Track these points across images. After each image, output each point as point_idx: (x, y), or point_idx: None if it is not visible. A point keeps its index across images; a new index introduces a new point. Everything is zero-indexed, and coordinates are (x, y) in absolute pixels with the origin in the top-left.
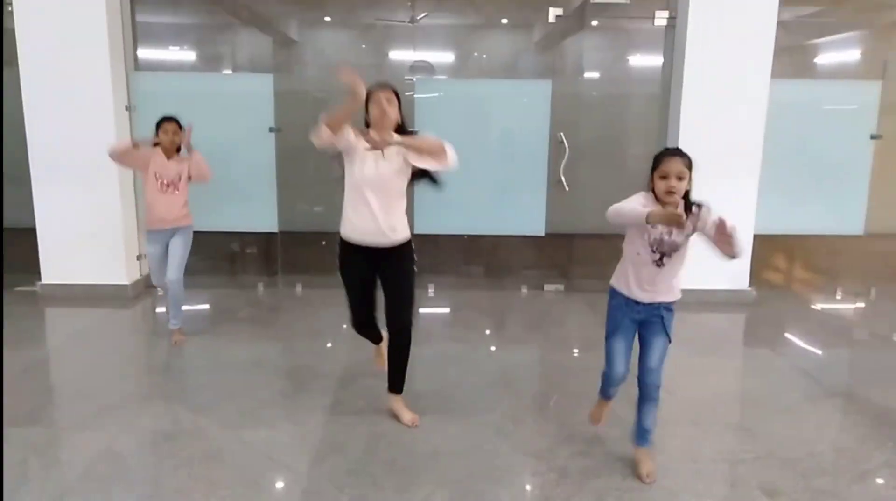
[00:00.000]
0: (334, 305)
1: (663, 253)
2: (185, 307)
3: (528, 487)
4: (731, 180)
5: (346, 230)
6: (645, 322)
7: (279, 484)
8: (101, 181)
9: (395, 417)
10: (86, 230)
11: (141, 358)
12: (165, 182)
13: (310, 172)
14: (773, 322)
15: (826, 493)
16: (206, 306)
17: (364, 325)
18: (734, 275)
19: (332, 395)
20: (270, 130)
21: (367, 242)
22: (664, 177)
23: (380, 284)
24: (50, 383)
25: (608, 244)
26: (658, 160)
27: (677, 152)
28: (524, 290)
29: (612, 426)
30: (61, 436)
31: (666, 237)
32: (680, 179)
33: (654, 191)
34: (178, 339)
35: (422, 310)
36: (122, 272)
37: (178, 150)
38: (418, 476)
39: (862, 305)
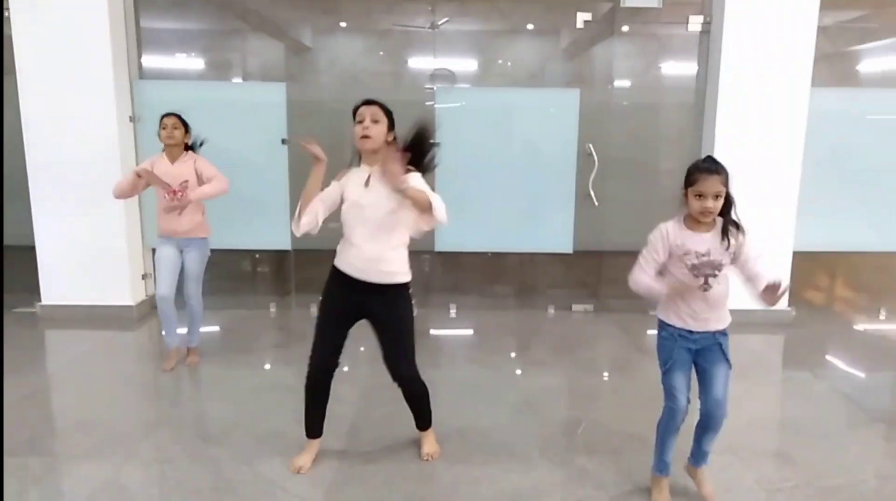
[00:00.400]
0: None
1: (706, 275)
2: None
3: None
4: (770, 194)
5: (337, 260)
6: (701, 351)
7: None
8: (104, 196)
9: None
10: (88, 248)
11: (147, 384)
12: (173, 189)
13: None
14: (814, 344)
15: None
16: (217, 328)
17: (317, 379)
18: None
19: (349, 422)
20: (283, 141)
21: (355, 275)
22: (700, 196)
23: (374, 332)
24: (50, 410)
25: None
26: (692, 177)
27: (714, 168)
28: (551, 310)
29: (644, 454)
30: (62, 467)
31: (703, 260)
32: (717, 197)
33: (687, 212)
34: (193, 360)
35: (443, 332)
36: (126, 293)
37: (188, 148)
38: None
39: None
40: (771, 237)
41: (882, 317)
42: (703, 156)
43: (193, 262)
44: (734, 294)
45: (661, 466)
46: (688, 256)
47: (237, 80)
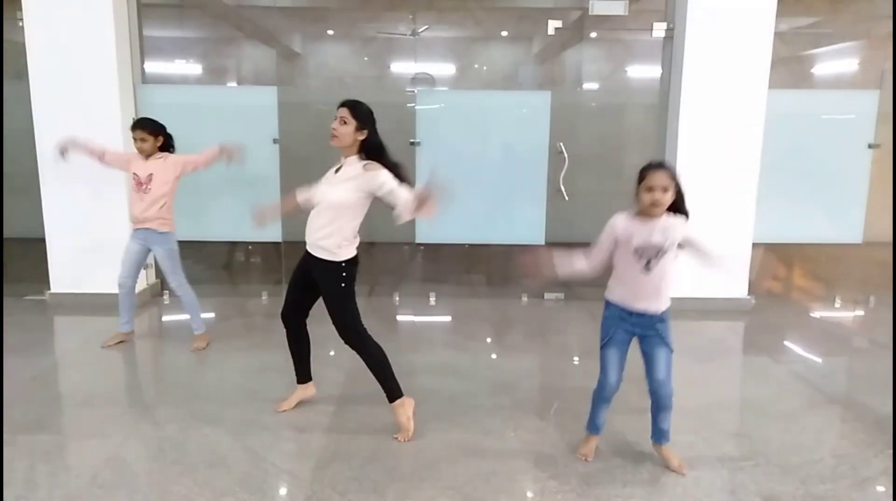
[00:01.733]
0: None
1: (649, 258)
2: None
3: (528, 494)
4: (730, 189)
5: None
6: (643, 337)
7: (283, 491)
8: (108, 191)
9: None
10: (94, 240)
11: (147, 366)
12: (140, 180)
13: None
14: (772, 330)
15: (825, 500)
16: (212, 315)
17: (286, 317)
18: (733, 283)
19: (335, 402)
20: (274, 141)
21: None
22: (650, 189)
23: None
24: (58, 390)
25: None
26: (643, 173)
27: (661, 165)
28: (524, 298)
29: (613, 434)
30: (69, 443)
31: (646, 243)
32: (665, 190)
33: (640, 205)
34: (199, 345)
35: (423, 318)
36: None
37: (165, 149)
38: (419, 483)
39: (861, 313)
40: (731, 229)
41: (837, 305)
42: (666, 154)
43: (165, 259)
44: (699, 283)
45: (590, 427)
46: (632, 239)
47: (232, 84)
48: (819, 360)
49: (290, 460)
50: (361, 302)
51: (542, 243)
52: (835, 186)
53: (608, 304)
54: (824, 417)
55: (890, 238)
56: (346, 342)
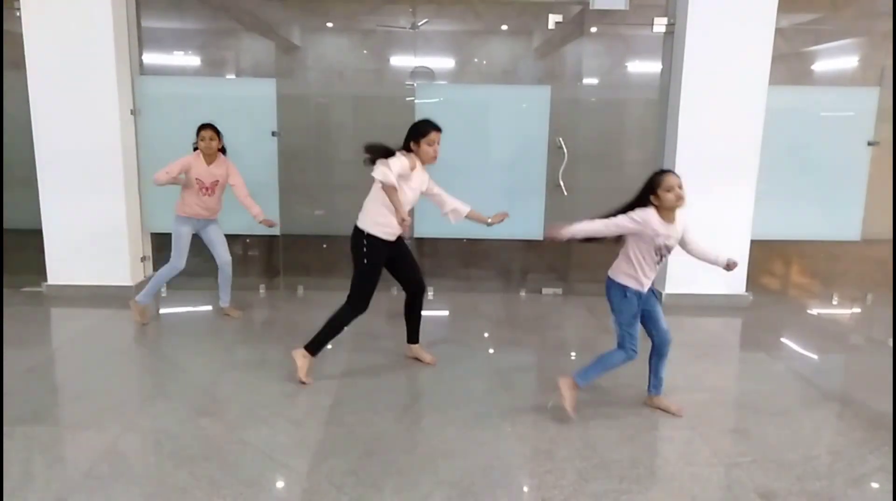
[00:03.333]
0: (335, 306)
1: (663, 255)
2: (192, 309)
3: (525, 488)
4: (729, 186)
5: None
6: (643, 300)
7: (279, 484)
8: (106, 184)
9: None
10: (91, 232)
11: (144, 358)
12: (206, 186)
13: (311, 175)
14: (770, 327)
15: (821, 497)
16: (209, 308)
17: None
18: (730, 280)
19: (332, 396)
20: (273, 133)
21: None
22: (670, 189)
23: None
24: (54, 382)
25: (606, 249)
26: (657, 179)
27: (669, 170)
28: (523, 293)
29: (610, 428)
30: (65, 435)
31: (667, 243)
32: (681, 187)
33: (657, 207)
34: (233, 313)
35: (422, 313)
36: (126, 274)
37: (223, 151)
38: (416, 477)
39: (858, 310)
40: (730, 226)
41: (834, 302)
42: (665, 150)
43: (218, 233)
44: (697, 280)
45: (581, 381)
46: (658, 238)
47: (231, 76)
48: (816, 357)
49: (287, 453)
50: None
51: (541, 238)
52: (834, 183)
53: (624, 288)
54: (821, 414)
55: (888, 236)
56: (425, 290)
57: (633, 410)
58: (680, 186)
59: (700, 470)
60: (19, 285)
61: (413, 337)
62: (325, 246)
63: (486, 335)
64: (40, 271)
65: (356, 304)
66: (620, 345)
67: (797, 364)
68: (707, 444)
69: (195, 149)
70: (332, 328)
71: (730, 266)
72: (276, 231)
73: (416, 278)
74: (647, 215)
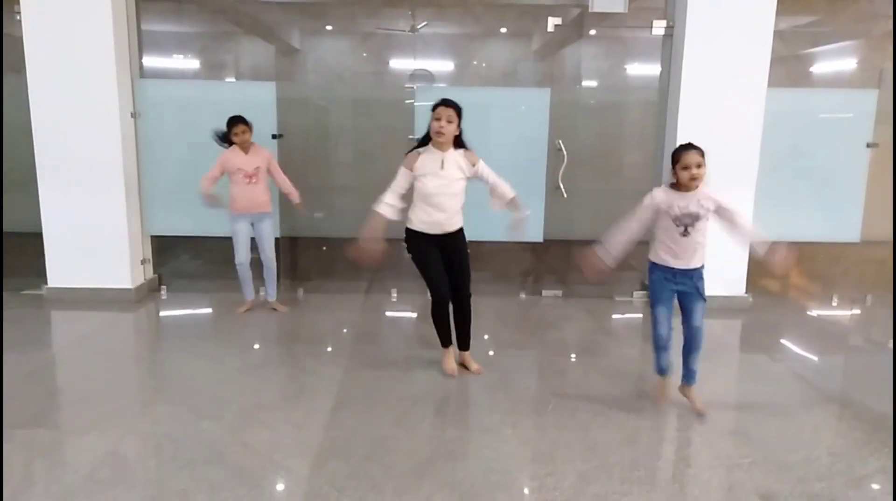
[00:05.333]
0: (335, 309)
1: (686, 225)
2: (193, 311)
3: (525, 491)
4: (729, 188)
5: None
6: (683, 292)
7: (280, 487)
8: (106, 186)
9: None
10: (92, 234)
11: (144, 361)
12: (248, 173)
13: (311, 178)
14: (770, 328)
15: (822, 498)
16: (209, 311)
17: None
18: (730, 281)
19: (333, 399)
20: (273, 136)
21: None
22: (686, 167)
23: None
24: (55, 385)
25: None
26: (678, 155)
27: (692, 146)
28: (522, 296)
29: (611, 431)
30: (66, 439)
31: (685, 212)
32: (699, 166)
33: (676, 182)
34: (280, 307)
35: (420, 315)
36: (126, 276)
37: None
38: (417, 480)
39: (858, 311)
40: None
41: (834, 304)
42: (665, 152)
43: (267, 230)
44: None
45: (658, 369)
46: (671, 209)
47: (230, 79)
48: (816, 358)
49: (288, 456)
50: (358, 298)
51: (541, 240)
52: (833, 185)
53: (653, 266)
54: (821, 415)
55: (887, 237)
56: (468, 298)
57: (634, 412)
58: (699, 165)
59: (701, 472)
60: (19, 287)
61: (459, 343)
62: (325, 248)
63: (485, 337)
64: (40, 273)
65: (431, 295)
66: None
67: (797, 366)
68: (708, 446)
69: (230, 144)
70: (435, 325)
71: (776, 260)
72: (276, 233)
73: (455, 283)
74: (655, 192)
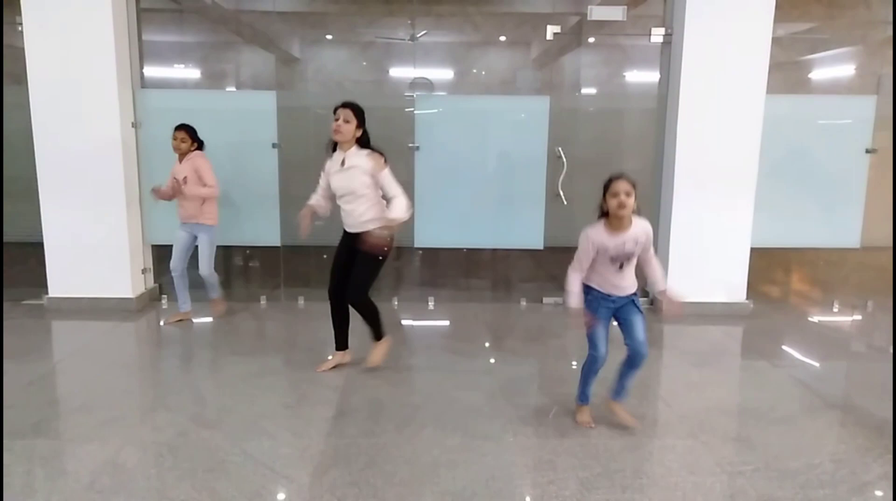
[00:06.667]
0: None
1: (622, 263)
2: (193, 320)
3: (527, 498)
4: (728, 194)
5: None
6: (620, 308)
7: (281, 496)
8: (107, 196)
9: None
10: (92, 245)
11: (145, 370)
12: (179, 180)
13: (312, 186)
14: (771, 335)
15: None
16: (209, 319)
17: (334, 294)
18: (731, 288)
19: (334, 407)
20: (273, 145)
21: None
22: (615, 195)
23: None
24: (55, 395)
25: None
26: (607, 184)
27: (623, 175)
28: (523, 303)
29: (613, 438)
30: (66, 448)
31: (620, 252)
32: (627, 195)
33: (606, 212)
34: (220, 309)
35: (422, 323)
36: (127, 286)
37: (200, 147)
38: (418, 488)
39: (859, 317)
40: (729, 234)
41: (835, 310)
42: (664, 159)
43: (204, 245)
44: (697, 288)
45: (582, 397)
46: (608, 250)
47: (231, 89)
48: (817, 364)
49: (288, 465)
50: None
51: (541, 247)
52: (832, 190)
53: (588, 289)
54: (823, 421)
55: (887, 243)
56: (353, 303)
57: (636, 419)
58: (628, 193)
59: (703, 479)
60: (20, 297)
61: (338, 344)
62: (325, 257)
63: (486, 344)
64: (41, 283)
65: None
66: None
67: (799, 372)
68: (709, 453)
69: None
70: (374, 317)
71: (660, 298)
72: (276, 242)
73: (344, 285)
74: (591, 233)
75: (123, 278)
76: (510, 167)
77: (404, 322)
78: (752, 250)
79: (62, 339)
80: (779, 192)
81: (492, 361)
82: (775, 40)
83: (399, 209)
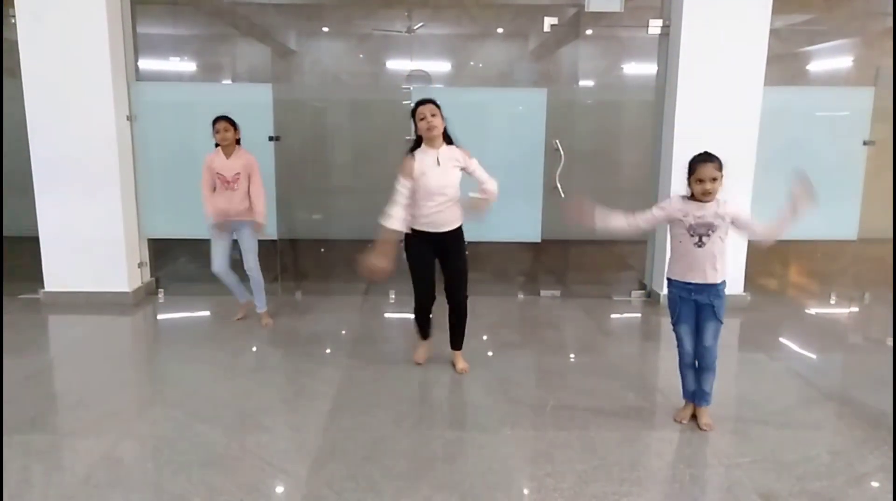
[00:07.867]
0: (333, 311)
1: (701, 235)
2: (190, 314)
3: (525, 491)
4: (726, 186)
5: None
6: (700, 308)
7: (279, 490)
8: (102, 190)
9: None
10: (87, 238)
11: (141, 365)
12: (227, 179)
13: (308, 179)
14: (768, 327)
15: (821, 497)
16: (207, 313)
17: (432, 300)
18: (728, 280)
19: (331, 401)
20: (270, 138)
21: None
22: (700, 181)
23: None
24: (52, 389)
25: (603, 251)
26: (692, 166)
27: (708, 157)
28: (520, 296)
29: (610, 431)
30: (63, 442)
31: (699, 221)
32: (713, 180)
33: (691, 194)
34: (267, 322)
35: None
36: (123, 280)
37: (238, 142)
38: (416, 481)
39: (856, 309)
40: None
41: (832, 302)
42: (662, 151)
43: (247, 240)
44: None
45: (684, 393)
46: (686, 217)
47: (227, 81)
48: (815, 357)
49: (286, 459)
50: (357, 300)
51: (538, 240)
52: (830, 182)
53: (670, 282)
54: (820, 414)
55: (884, 235)
56: (464, 300)
57: (633, 412)
58: (714, 179)
59: (700, 472)
60: (16, 292)
61: (452, 342)
62: (322, 250)
63: (484, 337)
64: (37, 277)
65: (414, 298)
66: None
67: (796, 364)
68: (707, 445)
69: (216, 145)
70: (415, 321)
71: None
72: (273, 236)
73: (448, 287)
74: (671, 198)
75: (120, 273)
76: (507, 160)
77: (401, 316)
78: (750, 242)
79: (58, 334)
80: (776, 184)
81: (489, 354)
82: (773, 32)
83: (496, 186)
